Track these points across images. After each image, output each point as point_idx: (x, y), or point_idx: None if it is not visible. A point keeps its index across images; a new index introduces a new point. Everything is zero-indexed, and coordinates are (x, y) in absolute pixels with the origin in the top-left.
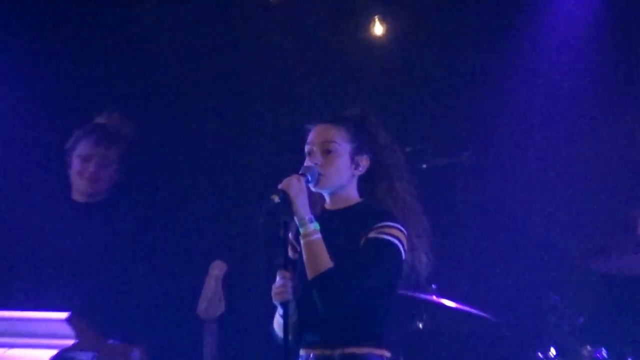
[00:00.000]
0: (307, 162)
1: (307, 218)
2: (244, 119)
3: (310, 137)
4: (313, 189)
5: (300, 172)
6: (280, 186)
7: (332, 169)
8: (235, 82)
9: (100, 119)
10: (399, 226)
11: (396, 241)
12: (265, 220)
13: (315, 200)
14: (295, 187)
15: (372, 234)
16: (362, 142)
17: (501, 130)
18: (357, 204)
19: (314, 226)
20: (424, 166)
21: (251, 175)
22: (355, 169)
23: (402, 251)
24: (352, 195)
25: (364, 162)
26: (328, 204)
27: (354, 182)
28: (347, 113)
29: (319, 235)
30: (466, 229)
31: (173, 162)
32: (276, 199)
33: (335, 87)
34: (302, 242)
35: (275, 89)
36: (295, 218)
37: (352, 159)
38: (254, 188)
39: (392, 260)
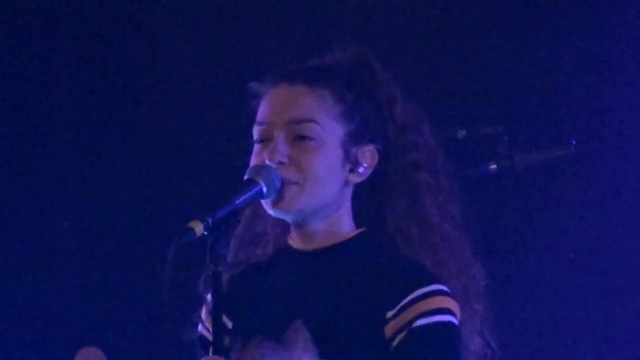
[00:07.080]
0: (259, 159)
1: None
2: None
3: (266, 109)
4: (271, 212)
5: (246, 178)
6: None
7: (314, 172)
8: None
9: None
10: (444, 288)
11: (452, 318)
12: (178, 272)
13: (265, 231)
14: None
15: (421, 320)
16: (365, 118)
17: (610, 116)
18: (354, 240)
19: None
20: (494, 166)
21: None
22: (352, 170)
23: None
24: (343, 221)
25: (369, 157)
26: (295, 237)
27: (348, 196)
28: (334, 59)
29: None
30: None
31: None
32: (199, 229)
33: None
34: None
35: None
36: None
37: (347, 153)
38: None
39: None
